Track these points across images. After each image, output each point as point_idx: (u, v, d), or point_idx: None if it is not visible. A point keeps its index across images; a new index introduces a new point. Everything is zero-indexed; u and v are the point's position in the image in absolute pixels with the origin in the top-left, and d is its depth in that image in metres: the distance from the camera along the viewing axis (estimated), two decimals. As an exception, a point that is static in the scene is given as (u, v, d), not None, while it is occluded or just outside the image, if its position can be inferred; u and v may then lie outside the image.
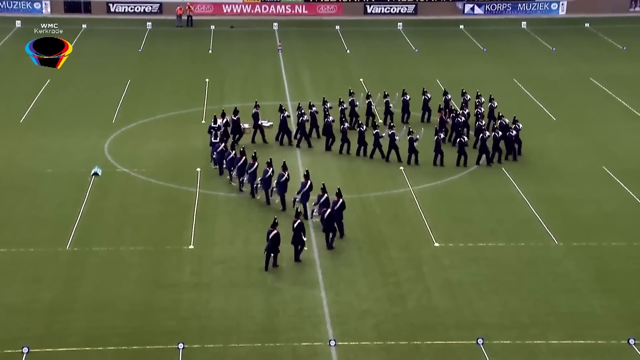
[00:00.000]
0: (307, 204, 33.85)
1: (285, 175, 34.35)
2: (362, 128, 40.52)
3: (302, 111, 41.79)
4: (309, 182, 33.87)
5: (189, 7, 70.53)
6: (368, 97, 44.37)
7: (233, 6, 73.75)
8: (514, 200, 36.01)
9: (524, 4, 74.84)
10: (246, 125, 42.02)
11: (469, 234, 32.94)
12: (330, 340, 25.75)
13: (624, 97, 50.36)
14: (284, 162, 35.12)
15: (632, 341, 25.72)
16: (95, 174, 37.80)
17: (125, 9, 72.91)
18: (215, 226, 33.54)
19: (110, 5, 72.74)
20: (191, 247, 31.76)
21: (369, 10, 74.16)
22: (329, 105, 42.92)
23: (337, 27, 68.92)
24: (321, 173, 38.15)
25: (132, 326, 26.63)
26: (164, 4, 72.87)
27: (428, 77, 54.05)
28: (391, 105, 44.06)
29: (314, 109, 42.48)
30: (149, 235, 32.70)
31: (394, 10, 74.06)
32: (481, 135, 39.55)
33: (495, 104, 43.96)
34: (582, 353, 25.41)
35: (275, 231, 29.69)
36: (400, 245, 31.98)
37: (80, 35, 64.72)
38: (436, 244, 32.03)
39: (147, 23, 68.48)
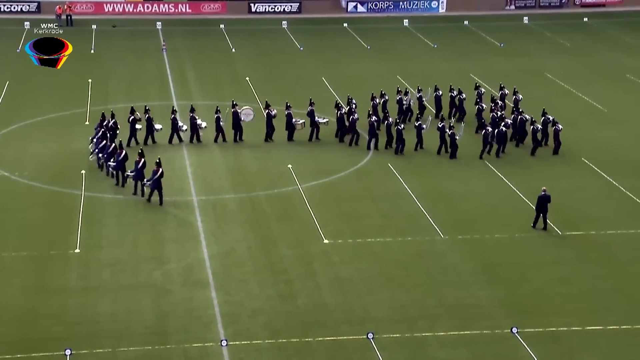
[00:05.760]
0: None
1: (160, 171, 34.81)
2: (401, 126, 41.01)
3: (354, 109, 42.32)
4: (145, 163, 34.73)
5: (69, 6, 68.98)
6: (419, 91, 45.37)
7: (115, 5, 72.50)
8: (401, 196, 36.61)
9: (405, 2, 76.11)
10: (301, 121, 42.04)
11: (358, 230, 33.34)
12: (221, 341, 25.66)
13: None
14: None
15: (515, 330, 26.50)
16: (-26, 178, 36.69)
17: (1, 7, 70.75)
18: (102, 229, 32.96)
19: (-14, 4, 70.59)
20: (77, 250, 31.11)
21: (253, 9, 74.08)
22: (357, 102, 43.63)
23: (222, 26, 68.63)
24: (209, 173, 38.01)
25: (17, 334, 25.92)
26: (42, 3, 71.01)
27: (315, 75, 54.42)
28: (425, 99, 45.34)
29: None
30: (32, 240, 31.87)
31: (278, 8, 74.19)
32: (532, 127, 41.36)
33: (520, 96, 45.23)
34: (468, 343, 26.02)
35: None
36: (290, 243, 32.11)
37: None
38: (326, 241, 32.29)
39: (25, 22, 66.55)
